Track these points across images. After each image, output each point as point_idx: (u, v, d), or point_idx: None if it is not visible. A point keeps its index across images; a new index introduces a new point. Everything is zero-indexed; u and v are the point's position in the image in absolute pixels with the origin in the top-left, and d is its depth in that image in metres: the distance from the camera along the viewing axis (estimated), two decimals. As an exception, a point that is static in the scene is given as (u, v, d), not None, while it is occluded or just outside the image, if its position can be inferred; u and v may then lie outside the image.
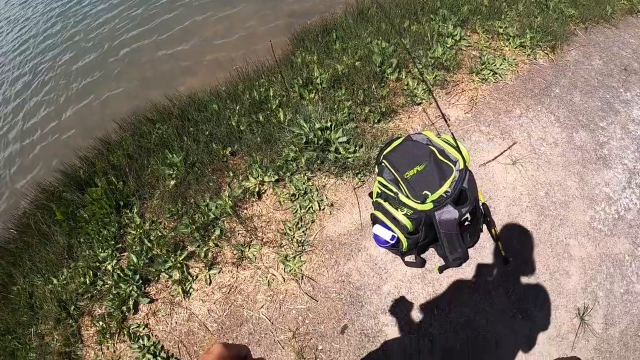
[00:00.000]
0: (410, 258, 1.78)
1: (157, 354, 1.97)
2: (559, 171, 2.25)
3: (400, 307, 1.85)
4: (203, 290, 1.97)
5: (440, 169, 1.52)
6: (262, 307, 1.88)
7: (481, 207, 1.78)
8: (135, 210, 2.22)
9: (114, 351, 2.10)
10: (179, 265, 2.00)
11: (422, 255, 1.75)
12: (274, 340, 1.84)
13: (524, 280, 1.91)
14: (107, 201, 2.27)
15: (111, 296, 2.11)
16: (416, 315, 1.84)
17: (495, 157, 2.29)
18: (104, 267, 2.18)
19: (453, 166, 1.52)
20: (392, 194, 1.52)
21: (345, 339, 1.82)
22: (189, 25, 4.47)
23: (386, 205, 1.54)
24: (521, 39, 3.02)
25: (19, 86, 4.74)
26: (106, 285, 2.15)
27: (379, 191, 1.56)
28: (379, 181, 1.57)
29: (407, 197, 1.47)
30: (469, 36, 3.07)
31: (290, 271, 1.87)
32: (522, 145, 2.37)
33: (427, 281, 1.90)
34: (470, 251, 1.92)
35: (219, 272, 1.95)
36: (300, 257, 1.89)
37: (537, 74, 2.84)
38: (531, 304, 1.87)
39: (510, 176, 2.21)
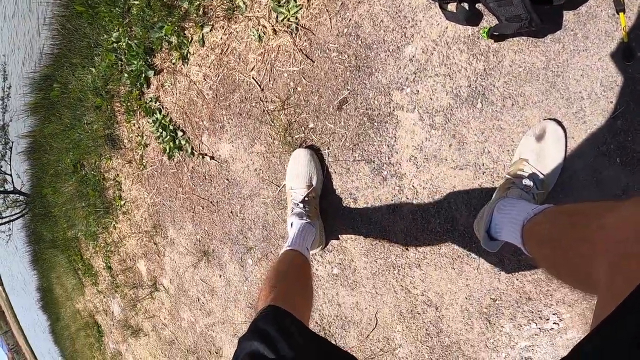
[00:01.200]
0: (452, 6, 1.08)
1: (167, 126, 1.89)
2: None
3: (425, 86, 1.20)
4: (198, 54, 1.69)
5: None
6: (252, 69, 1.53)
7: None
8: None
9: (139, 127, 2.10)
10: (175, 27, 1.73)
11: (477, 6, 1.07)
12: (264, 110, 1.53)
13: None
14: None
15: (126, 75, 2.02)
16: (447, 102, 1.17)
17: None
18: (119, 47, 2.06)
19: None
20: None
21: (342, 117, 1.36)
22: None
23: None
24: None
25: None
26: (124, 65, 2.06)
27: None
28: None
29: None
30: None
31: (283, 20, 1.42)
32: None
33: (478, 51, 1.11)
34: (568, 17, 0.99)
35: (211, 30, 1.61)
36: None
37: None
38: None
39: None
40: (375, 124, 1.32)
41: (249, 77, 1.54)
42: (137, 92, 1.99)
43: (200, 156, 1.79)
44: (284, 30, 1.43)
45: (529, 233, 0.80)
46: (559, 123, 1.02)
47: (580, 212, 0.67)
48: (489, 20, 1.08)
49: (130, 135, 2.18)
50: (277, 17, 1.43)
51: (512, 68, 1.08)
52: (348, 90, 1.36)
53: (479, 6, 1.07)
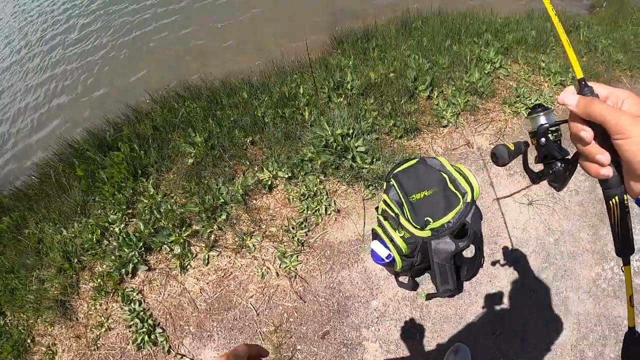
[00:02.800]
0: (403, 279, 1.79)
1: (145, 320, 2.04)
2: (574, 220, 2.20)
3: (384, 326, 1.86)
4: (199, 269, 2.03)
5: (447, 198, 1.49)
6: (251, 296, 1.92)
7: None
8: (151, 180, 2.29)
9: (106, 309, 2.18)
10: (181, 240, 2.06)
11: (417, 279, 1.76)
12: (257, 330, 1.89)
13: (514, 324, 1.88)
14: (127, 167, 2.34)
15: (113, 257, 2.19)
16: (398, 337, 1.85)
17: (512, 194, 2.25)
18: (112, 229, 2.26)
19: (461, 197, 1.49)
20: (393, 214, 1.52)
21: (324, 344, 1.85)
22: (230, 9, 4.59)
23: (386, 224, 1.54)
24: (562, 77, 2.94)
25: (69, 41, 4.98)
26: (110, 246, 2.24)
27: (383, 208, 1.57)
28: (383, 199, 1.57)
29: (408, 220, 1.47)
30: (509, 65, 3.01)
31: (285, 268, 1.91)
32: (542, 187, 2.31)
33: (416, 306, 1.90)
34: (466, 285, 1.91)
35: (218, 255, 2.00)
36: (297, 256, 1.92)
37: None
38: (516, 349, 1.84)
39: (523, 216, 2.17)
40: (349, 349, 1.86)
41: (246, 302, 1.91)
42: (119, 277, 2.15)
43: (178, 356, 1.97)
44: (285, 275, 1.90)
45: None
46: (465, 344, 1.80)
47: None
48: (423, 288, 1.87)
49: (90, 313, 2.22)
50: (280, 264, 1.91)
51: (435, 314, 1.86)
52: (330, 325, 1.86)
53: (418, 280, 1.79)
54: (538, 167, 0.63)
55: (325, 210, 1.99)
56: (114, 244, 2.22)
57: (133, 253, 2.14)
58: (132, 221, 2.25)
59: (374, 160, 2.08)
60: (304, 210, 1.99)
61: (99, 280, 2.21)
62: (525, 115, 0.83)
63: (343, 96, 2.46)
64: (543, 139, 0.57)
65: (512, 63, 3.07)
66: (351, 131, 2.12)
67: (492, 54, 2.98)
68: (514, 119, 2.66)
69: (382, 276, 1.92)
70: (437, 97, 2.64)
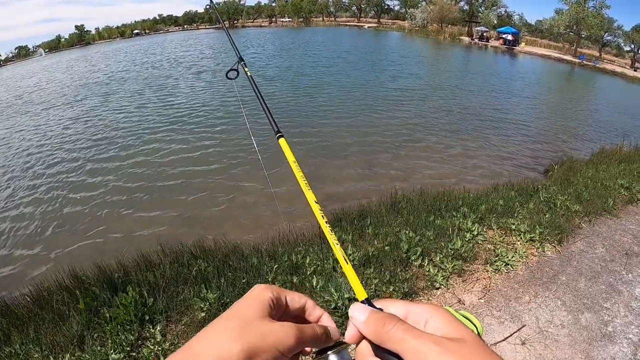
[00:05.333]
0: None
1: None
2: (566, 350, 2.43)
3: None
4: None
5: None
6: None
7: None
8: (159, 328, 2.37)
9: None
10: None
11: None
12: None
13: None
14: (134, 310, 2.39)
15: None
16: None
17: (505, 338, 2.54)
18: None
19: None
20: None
21: None
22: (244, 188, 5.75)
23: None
24: (531, 234, 3.53)
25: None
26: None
27: None
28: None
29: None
30: (485, 232, 3.65)
31: None
32: (531, 327, 2.62)
33: None
34: None
35: None
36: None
37: (545, 264, 3.25)
38: None
39: (520, 355, 2.40)
40: None
41: None
42: None
43: None
44: None
45: None
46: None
47: None
48: None
49: None
50: None
51: None
52: None
53: None
54: None
55: (338, 368, 2.29)
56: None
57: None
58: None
59: (378, 320, 2.49)
60: (317, 370, 2.29)
61: None
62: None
63: (348, 267, 3.01)
64: None
65: (488, 229, 3.73)
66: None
67: (470, 224, 3.66)
68: (496, 276, 3.13)
69: None
70: (427, 264, 3.18)
